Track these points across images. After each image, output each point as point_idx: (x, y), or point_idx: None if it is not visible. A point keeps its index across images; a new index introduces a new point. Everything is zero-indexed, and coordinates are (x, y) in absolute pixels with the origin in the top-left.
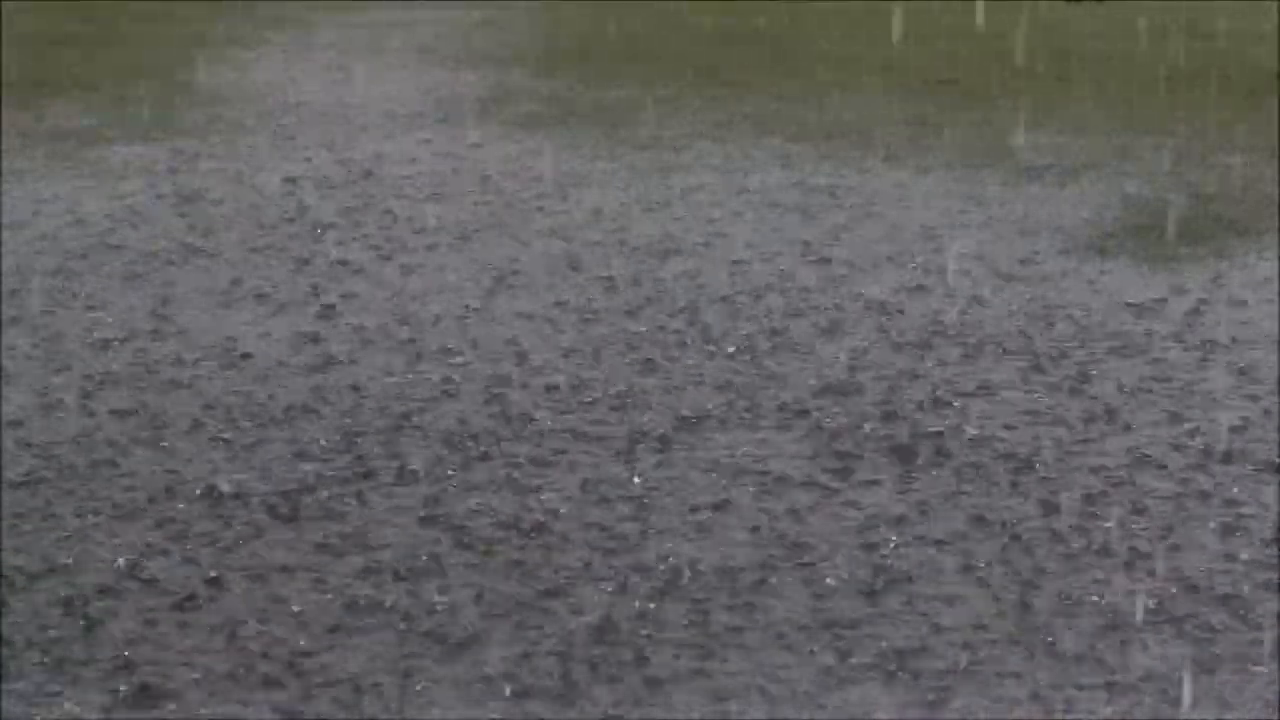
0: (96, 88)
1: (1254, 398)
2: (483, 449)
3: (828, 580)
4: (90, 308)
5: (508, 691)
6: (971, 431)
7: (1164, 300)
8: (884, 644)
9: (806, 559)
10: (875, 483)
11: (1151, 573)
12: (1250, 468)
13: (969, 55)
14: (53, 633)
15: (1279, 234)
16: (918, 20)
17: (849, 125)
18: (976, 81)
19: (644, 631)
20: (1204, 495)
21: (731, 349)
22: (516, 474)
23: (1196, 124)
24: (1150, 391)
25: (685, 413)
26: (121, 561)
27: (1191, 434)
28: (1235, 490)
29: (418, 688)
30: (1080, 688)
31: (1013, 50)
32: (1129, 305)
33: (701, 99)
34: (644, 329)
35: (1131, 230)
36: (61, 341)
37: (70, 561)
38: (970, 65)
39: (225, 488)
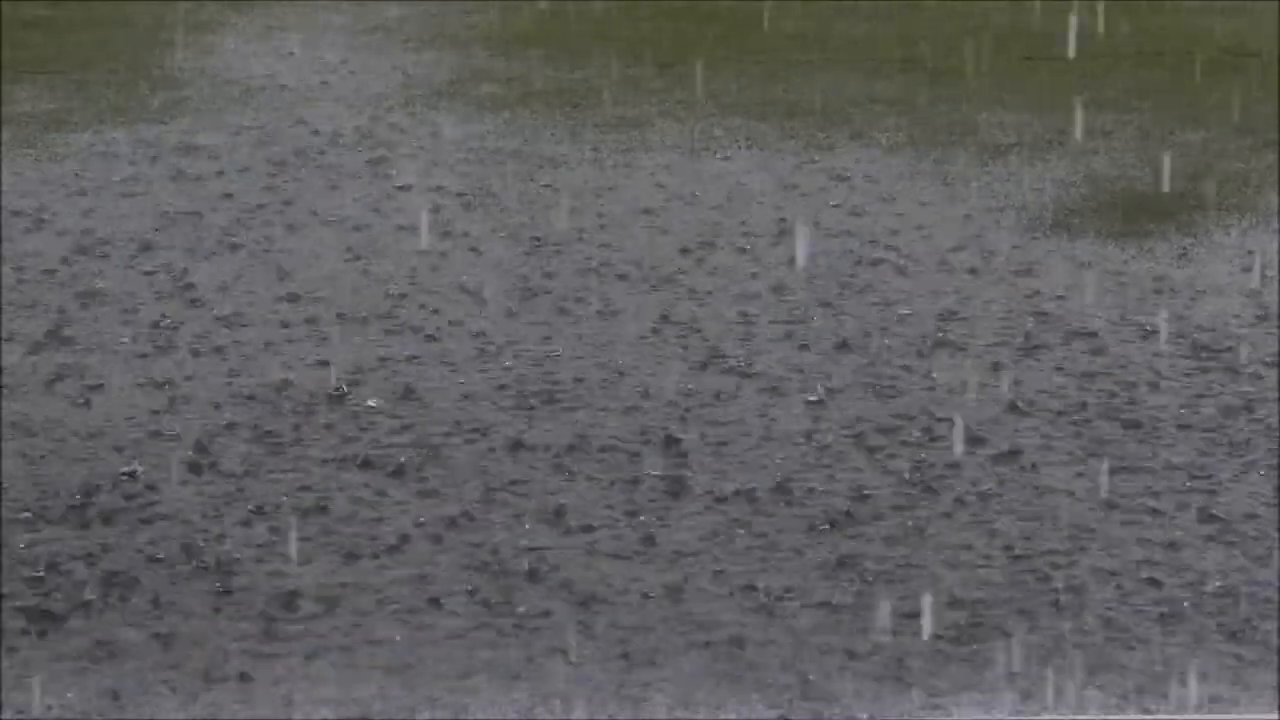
0: (61, 71)
1: (1223, 371)
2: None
3: None
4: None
5: None
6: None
7: (1129, 275)
8: None
9: None
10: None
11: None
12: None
13: (934, 34)
14: None
15: (1244, 210)
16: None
17: (814, 104)
18: (942, 60)
19: None
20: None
21: (680, 330)
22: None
23: (1160, 101)
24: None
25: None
26: None
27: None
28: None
29: None
30: None
31: (978, 29)
32: (1094, 280)
33: (665, 79)
34: (605, 308)
35: (1096, 207)
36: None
37: None
38: (935, 44)
39: None
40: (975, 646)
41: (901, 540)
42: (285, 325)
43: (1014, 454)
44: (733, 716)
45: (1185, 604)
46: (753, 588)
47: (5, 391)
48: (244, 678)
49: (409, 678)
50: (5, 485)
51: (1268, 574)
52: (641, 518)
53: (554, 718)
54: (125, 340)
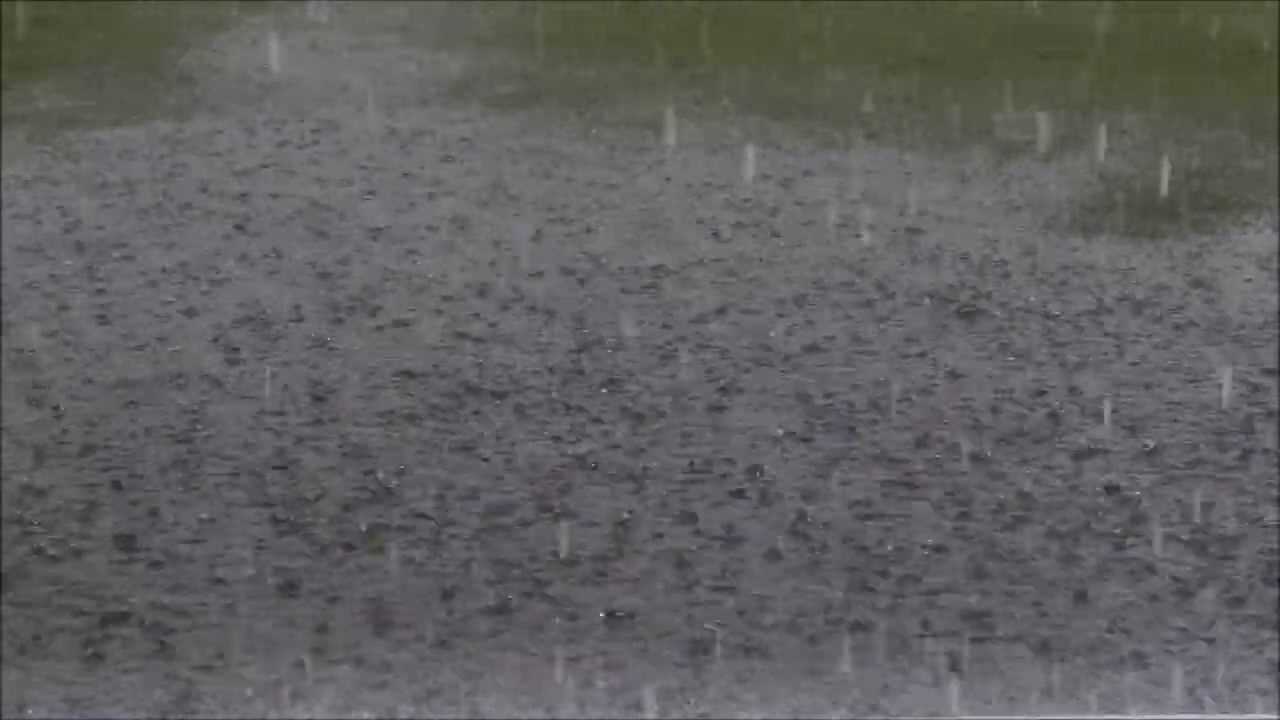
0: (76, 69)
1: (1237, 376)
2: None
3: None
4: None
5: None
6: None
7: (1144, 275)
8: None
9: None
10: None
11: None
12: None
13: (949, 32)
14: None
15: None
16: None
17: (829, 103)
18: (957, 58)
19: None
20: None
21: (691, 323)
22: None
23: (1176, 99)
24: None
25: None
26: None
27: (1163, 411)
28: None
29: None
30: None
31: (993, 27)
32: (1108, 281)
33: (680, 77)
34: (628, 305)
35: (1112, 206)
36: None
37: None
38: (950, 42)
39: None
40: None
41: None
42: None
43: None
44: (735, 717)
45: None
46: None
47: None
48: None
49: None
50: None
51: None
52: None
53: (557, 717)
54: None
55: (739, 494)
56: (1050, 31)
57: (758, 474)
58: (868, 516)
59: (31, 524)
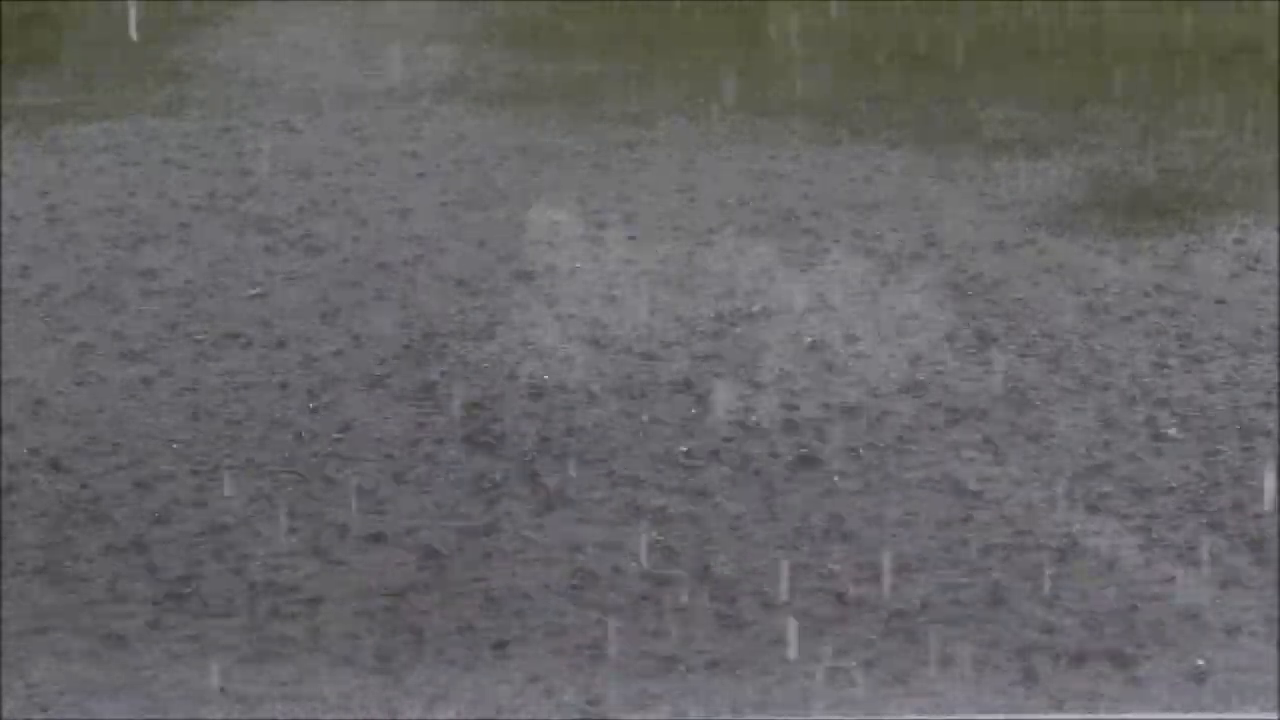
0: (63, 65)
1: (1222, 375)
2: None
3: None
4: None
5: None
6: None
7: (1133, 274)
8: None
9: None
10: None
11: None
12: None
13: (935, 29)
14: None
15: (1246, 208)
16: None
17: (815, 100)
18: (943, 56)
19: None
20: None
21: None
22: None
23: (1164, 97)
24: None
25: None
26: None
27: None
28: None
29: None
30: None
31: (979, 24)
32: (1096, 280)
33: (668, 75)
34: (616, 304)
35: (1099, 204)
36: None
37: None
38: (936, 39)
39: None
40: None
41: None
42: None
43: None
44: (734, 716)
45: None
46: None
47: None
48: None
49: None
50: None
51: None
52: None
53: (572, 718)
54: None
55: None
56: (1044, 31)
57: None
58: None
59: None
